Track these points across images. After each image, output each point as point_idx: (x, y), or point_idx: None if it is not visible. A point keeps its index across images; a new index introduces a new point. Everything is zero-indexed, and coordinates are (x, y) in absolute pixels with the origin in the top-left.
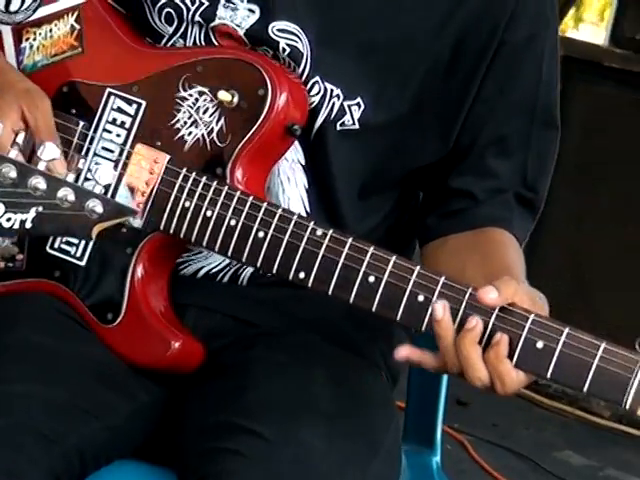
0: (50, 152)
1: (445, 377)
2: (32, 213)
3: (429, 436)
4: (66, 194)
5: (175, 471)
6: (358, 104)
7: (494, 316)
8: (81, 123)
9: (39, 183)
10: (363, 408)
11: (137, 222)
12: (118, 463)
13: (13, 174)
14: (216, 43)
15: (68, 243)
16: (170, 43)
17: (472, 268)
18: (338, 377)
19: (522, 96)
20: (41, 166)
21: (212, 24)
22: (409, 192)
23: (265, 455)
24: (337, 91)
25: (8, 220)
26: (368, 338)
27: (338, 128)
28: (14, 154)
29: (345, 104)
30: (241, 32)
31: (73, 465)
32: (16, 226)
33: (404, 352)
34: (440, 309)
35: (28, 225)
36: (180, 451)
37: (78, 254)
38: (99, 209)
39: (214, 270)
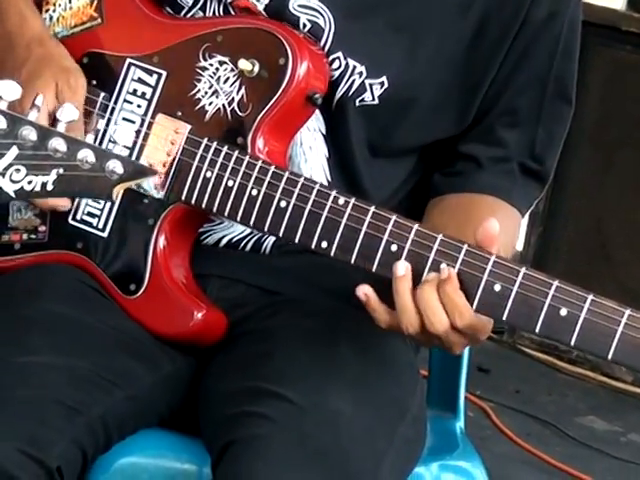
0: (69, 113)
1: None
2: (53, 175)
3: (452, 401)
4: (86, 155)
5: (201, 439)
6: (382, 83)
7: (518, 283)
8: (102, 94)
9: (59, 145)
10: (389, 373)
11: (159, 193)
12: (143, 432)
13: (33, 136)
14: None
15: (90, 214)
16: (190, 15)
17: (452, 228)
18: (364, 342)
19: (537, 70)
20: (61, 127)
21: None
22: (425, 158)
23: (293, 419)
24: (360, 68)
25: (29, 183)
26: None
27: (357, 104)
28: (34, 116)
29: (367, 82)
30: (260, 7)
31: (97, 435)
32: (37, 189)
33: (366, 289)
34: (402, 267)
35: (49, 187)
36: (206, 418)
37: (100, 225)
38: (119, 170)
39: (236, 239)
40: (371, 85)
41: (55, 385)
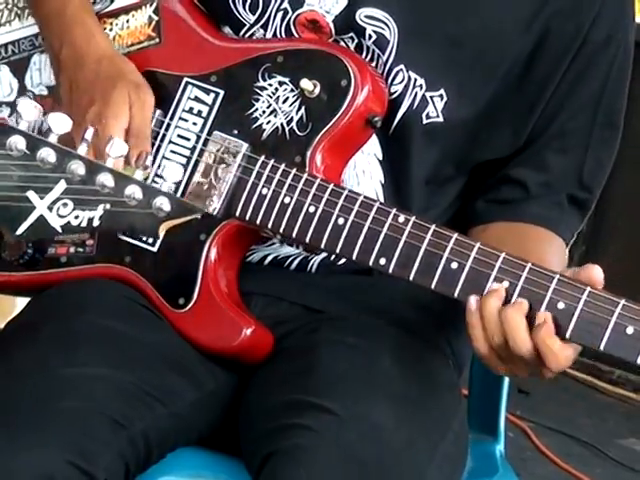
0: (118, 148)
1: None
2: (100, 210)
3: (492, 424)
4: (134, 192)
5: (240, 456)
6: (440, 96)
7: (582, 301)
8: (157, 111)
9: (107, 180)
10: (431, 391)
11: (212, 209)
12: (182, 451)
13: (82, 171)
14: (296, 35)
15: None
16: (250, 33)
17: None
18: (406, 359)
19: (589, 95)
20: (109, 163)
21: (300, 10)
22: (468, 184)
23: (336, 430)
24: (420, 81)
25: (76, 217)
26: (434, 325)
27: (424, 121)
28: (83, 150)
29: (427, 95)
30: (330, 18)
31: (139, 450)
32: (84, 224)
33: (478, 297)
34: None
35: (96, 223)
36: (247, 433)
37: (150, 239)
38: (166, 207)
39: (281, 257)
40: (432, 98)
41: (102, 397)
